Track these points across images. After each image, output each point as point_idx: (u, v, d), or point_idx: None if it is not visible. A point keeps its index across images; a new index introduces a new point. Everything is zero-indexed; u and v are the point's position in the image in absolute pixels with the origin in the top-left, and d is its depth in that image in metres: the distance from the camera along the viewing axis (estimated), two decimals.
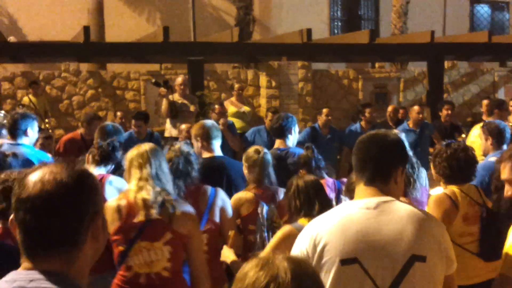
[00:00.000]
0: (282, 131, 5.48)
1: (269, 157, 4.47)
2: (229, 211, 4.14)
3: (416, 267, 2.35)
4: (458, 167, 3.95)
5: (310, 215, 3.59)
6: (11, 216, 1.65)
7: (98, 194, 1.70)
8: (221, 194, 4.13)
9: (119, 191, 4.27)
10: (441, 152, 4.02)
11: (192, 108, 9.24)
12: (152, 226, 3.39)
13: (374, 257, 2.34)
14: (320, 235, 2.38)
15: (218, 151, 4.85)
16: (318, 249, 2.36)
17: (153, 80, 9.63)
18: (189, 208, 3.54)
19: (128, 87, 13.14)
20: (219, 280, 4.06)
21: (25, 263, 1.62)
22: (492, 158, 5.10)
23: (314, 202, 3.65)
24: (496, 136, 5.39)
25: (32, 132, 5.33)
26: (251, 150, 4.52)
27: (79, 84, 12.86)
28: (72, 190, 1.61)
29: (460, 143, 4.18)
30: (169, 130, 9.29)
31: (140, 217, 3.39)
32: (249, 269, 1.56)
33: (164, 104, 9.12)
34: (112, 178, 4.39)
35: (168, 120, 9.36)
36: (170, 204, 3.41)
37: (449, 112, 9.52)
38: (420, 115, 8.99)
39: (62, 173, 1.62)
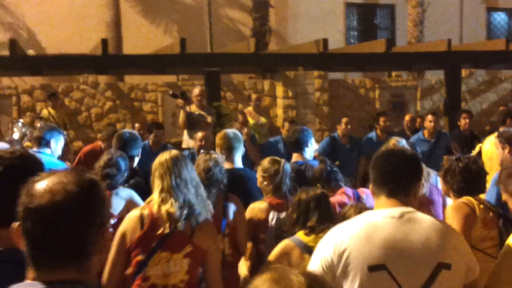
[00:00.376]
0: (298, 145, 5.48)
1: (287, 167, 4.48)
2: (243, 219, 4.21)
3: (442, 274, 2.43)
4: (471, 179, 3.97)
5: (305, 227, 3.70)
6: (15, 224, 1.62)
7: (106, 206, 1.70)
8: (235, 199, 4.20)
9: (125, 201, 4.32)
10: (452, 167, 4.02)
11: (209, 119, 9.28)
12: (174, 237, 3.42)
13: (402, 264, 2.40)
14: (344, 242, 2.43)
15: (238, 163, 4.88)
16: (344, 256, 2.40)
17: (171, 92, 9.70)
18: (210, 223, 3.58)
19: (146, 98, 13.24)
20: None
21: (30, 274, 1.60)
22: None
23: (311, 215, 3.72)
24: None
25: (55, 145, 5.43)
26: (266, 160, 4.52)
27: (98, 96, 12.98)
28: (82, 201, 1.58)
29: (469, 156, 4.20)
30: (186, 141, 9.33)
31: (165, 230, 3.41)
32: (262, 283, 1.46)
33: (181, 115, 9.18)
34: (119, 189, 4.44)
35: (185, 131, 9.41)
36: (194, 217, 3.44)
37: (467, 120, 9.46)
38: (433, 123, 8.83)
39: (71, 183, 1.58)
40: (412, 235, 2.45)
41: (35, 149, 5.41)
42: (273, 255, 3.67)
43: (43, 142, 5.36)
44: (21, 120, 8.00)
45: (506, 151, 4.97)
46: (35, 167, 2.19)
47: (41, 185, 1.57)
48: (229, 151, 4.82)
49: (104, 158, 4.55)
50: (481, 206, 3.89)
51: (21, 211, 1.57)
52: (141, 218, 3.45)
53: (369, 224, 2.48)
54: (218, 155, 4.29)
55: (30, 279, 1.60)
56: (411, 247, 2.43)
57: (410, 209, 2.56)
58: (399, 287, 2.38)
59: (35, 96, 12.77)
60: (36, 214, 1.55)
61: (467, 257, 2.59)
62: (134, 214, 3.50)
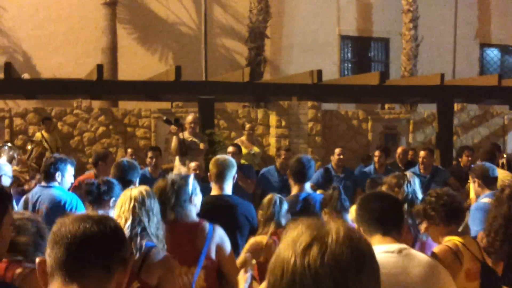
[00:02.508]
0: (302, 176, 5.40)
1: (281, 204, 4.55)
2: (227, 249, 4.09)
3: None
4: (452, 212, 3.88)
5: None
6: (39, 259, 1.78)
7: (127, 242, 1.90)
8: (219, 231, 4.07)
9: None
10: (432, 202, 3.97)
11: (201, 146, 9.29)
12: None
13: None
14: None
15: (227, 190, 4.83)
16: None
17: (164, 118, 9.74)
18: (166, 259, 3.46)
19: (139, 124, 13.27)
20: None
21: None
22: (484, 199, 5.20)
23: None
24: (482, 177, 5.55)
25: (66, 176, 5.45)
26: (268, 195, 4.66)
27: (91, 121, 12.99)
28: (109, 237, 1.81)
29: (447, 190, 4.15)
30: (178, 167, 9.32)
31: None
32: (295, 227, 1.42)
33: (174, 141, 9.19)
34: None
35: (177, 158, 9.40)
36: (145, 250, 3.37)
37: (470, 158, 9.46)
38: (425, 159, 8.78)
39: (99, 225, 1.80)
40: (410, 269, 2.55)
41: (43, 183, 5.41)
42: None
43: (51, 175, 5.35)
44: (9, 144, 7.94)
45: (476, 184, 5.60)
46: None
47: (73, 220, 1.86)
48: (219, 177, 4.79)
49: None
50: (469, 253, 3.80)
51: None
52: None
53: None
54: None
55: None
56: (412, 282, 2.51)
57: (405, 245, 2.72)
58: None
59: (28, 119, 12.77)
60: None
61: None
62: None
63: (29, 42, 16.11)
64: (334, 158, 9.30)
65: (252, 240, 4.44)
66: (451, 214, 3.84)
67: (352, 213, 4.41)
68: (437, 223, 3.82)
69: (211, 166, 4.85)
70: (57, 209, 5.02)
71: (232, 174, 4.83)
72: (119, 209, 3.46)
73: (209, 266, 3.97)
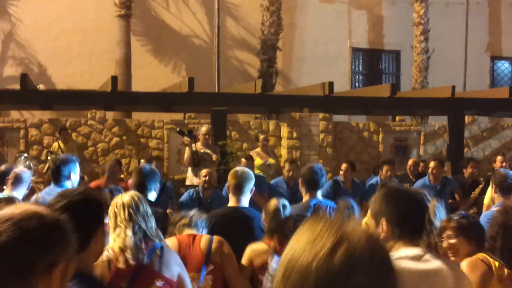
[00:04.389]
0: (314, 184, 5.44)
1: (284, 211, 4.50)
2: (231, 256, 4.20)
3: None
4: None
5: None
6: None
7: (57, 246, 1.55)
8: (219, 238, 4.20)
9: None
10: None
11: (214, 157, 9.40)
12: (141, 273, 3.40)
13: None
14: None
15: (244, 202, 4.88)
16: None
17: (178, 129, 9.85)
18: (174, 253, 3.62)
19: (152, 135, 13.41)
20: None
21: None
22: (495, 208, 5.07)
23: None
24: (498, 185, 5.56)
25: (75, 175, 5.49)
26: (271, 201, 4.58)
27: (105, 132, 13.16)
28: (27, 235, 1.47)
29: (470, 216, 4.13)
30: (190, 178, 9.44)
31: (119, 264, 3.39)
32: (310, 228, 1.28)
33: (187, 152, 9.31)
34: None
35: (189, 169, 9.51)
36: (157, 249, 3.46)
37: (475, 170, 9.52)
38: (435, 170, 8.83)
39: (22, 216, 1.50)
40: (437, 277, 2.46)
41: (53, 184, 5.44)
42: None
43: (62, 178, 5.36)
44: (25, 154, 8.10)
45: (493, 190, 5.68)
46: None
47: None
48: (237, 189, 4.83)
49: None
50: (496, 263, 3.85)
51: None
52: (109, 262, 3.40)
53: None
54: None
55: None
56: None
57: (425, 250, 2.56)
58: None
59: (43, 130, 12.95)
60: None
61: None
62: (100, 259, 3.30)
63: (44, 54, 16.35)
64: (341, 174, 9.33)
65: (250, 247, 4.43)
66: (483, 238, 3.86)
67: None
68: (471, 242, 3.83)
69: (230, 177, 4.91)
70: None
71: (250, 187, 4.87)
72: (114, 219, 3.46)
73: (215, 271, 4.07)
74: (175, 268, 3.49)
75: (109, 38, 16.06)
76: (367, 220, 2.67)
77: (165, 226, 4.29)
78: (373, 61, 19.55)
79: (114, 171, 7.63)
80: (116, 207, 3.48)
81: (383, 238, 2.53)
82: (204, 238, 4.15)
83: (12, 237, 1.41)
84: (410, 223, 2.58)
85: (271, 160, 11.43)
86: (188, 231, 4.22)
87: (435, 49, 17.75)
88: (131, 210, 3.45)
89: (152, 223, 3.55)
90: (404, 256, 2.47)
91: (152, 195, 5.17)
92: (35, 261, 1.44)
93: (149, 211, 3.58)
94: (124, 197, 3.54)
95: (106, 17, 16.25)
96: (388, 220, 2.55)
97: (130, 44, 15.95)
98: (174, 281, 3.46)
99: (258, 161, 10.92)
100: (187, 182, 9.49)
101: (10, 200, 4.79)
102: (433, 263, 2.49)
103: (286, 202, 4.58)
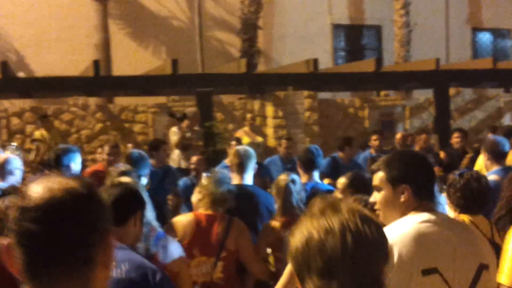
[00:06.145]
0: (311, 165, 5.49)
1: (294, 186, 4.48)
2: (246, 240, 4.20)
3: (484, 275, 2.45)
4: (472, 196, 3.92)
5: None
6: (7, 242, 1.45)
7: (108, 212, 1.48)
8: (238, 223, 4.17)
9: None
10: (454, 182, 4.00)
11: (199, 142, 9.39)
12: None
13: (452, 266, 2.39)
14: (395, 244, 2.35)
15: (248, 180, 4.92)
16: (395, 259, 2.34)
17: (169, 111, 9.75)
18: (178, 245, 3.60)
19: (136, 120, 13.24)
20: None
21: None
22: (491, 176, 5.07)
23: None
24: (491, 152, 5.50)
25: (75, 165, 5.38)
26: (280, 177, 4.57)
27: (88, 118, 12.96)
28: (83, 199, 1.41)
29: (473, 172, 4.17)
30: (177, 161, 9.35)
31: None
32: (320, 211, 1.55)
33: (178, 135, 9.20)
34: None
35: (176, 151, 9.42)
36: (162, 240, 3.44)
37: (459, 139, 9.56)
38: (426, 145, 8.90)
39: (73, 183, 1.42)
40: (456, 237, 2.46)
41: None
42: (287, 270, 3.59)
43: (63, 168, 5.25)
44: (15, 143, 7.93)
45: (485, 158, 5.59)
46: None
47: (39, 186, 1.40)
48: (239, 168, 4.87)
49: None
50: (475, 229, 3.84)
51: (16, 214, 1.36)
52: None
53: (415, 228, 2.44)
54: (225, 175, 4.31)
55: None
56: (458, 250, 2.43)
57: (442, 213, 2.61)
58: None
59: (25, 119, 12.72)
60: (34, 212, 1.35)
61: (495, 259, 2.63)
62: None
63: (21, 41, 16.01)
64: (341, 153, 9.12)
65: (264, 226, 4.49)
66: (466, 205, 3.89)
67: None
68: (455, 205, 3.90)
69: (232, 156, 4.95)
70: None
71: (252, 165, 4.93)
72: None
73: (227, 257, 4.05)
74: (177, 257, 3.49)
75: (87, 22, 15.75)
76: (379, 184, 2.62)
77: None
78: (354, 37, 19.48)
79: (114, 152, 7.43)
80: None
81: (403, 202, 2.53)
82: (222, 223, 4.11)
83: (80, 195, 1.40)
84: (430, 185, 2.60)
85: (259, 139, 11.38)
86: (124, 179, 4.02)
87: (416, 23, 17.70)
88: None
89: (150, 208, 3.46)
90: (427, 219, 2.47)
91: (143, 181, 5.11)
92: (99, 220, 1.43)
93: (146, 195, 3.46)
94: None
95: (82, 2, 15.91)
96: (410, 185, 2.53)
97: (108, 28, 15.69)
98: (176, 271, 3.45)
99: (245, 140, 10.86)
100: (173, 164, 9.40)
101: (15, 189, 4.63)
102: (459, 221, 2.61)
103: (296, 177, 4.56)
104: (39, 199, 1.36)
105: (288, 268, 3.55)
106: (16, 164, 5.36)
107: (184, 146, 9.18)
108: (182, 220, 4.13)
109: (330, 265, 1.45)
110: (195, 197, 4.29)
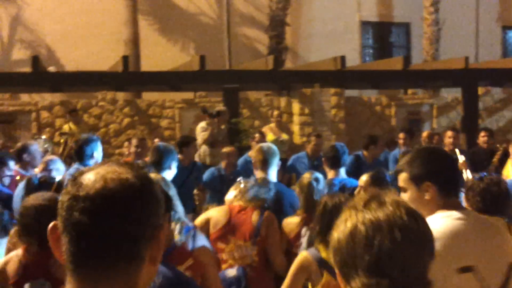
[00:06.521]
0: (336, 162, 5.56)
1: (317, 184, 4.54)
2: (275, 230, 4.35)
3: None
4: (491, 200, 3.91)
5: (325, 241, 3.45)
6: (52, 224, 1.36)
7: (162, 207, 1.41)
8: (269, 213, 4.34)
9: None
10: (474, 186, 3.98)
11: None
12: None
13: (486, 265, 2.38)
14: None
15: (272, 177, 4.99)
16: None
17: (203, 107, 9.82)
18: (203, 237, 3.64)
19: (163, 115, 13.36)
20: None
21: (70, 284, 1.32)
22: None
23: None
24: None
25: (98, 153, 5.50)
26: (304, 175, 4.68)
27: (116, 113, 13.12)
28: (138, 192, 1.34)
29: (493, 177, 4.14)
30: (204, 157, 9.41)
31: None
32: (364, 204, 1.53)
33: (208, 132, 9.24)
34: None
35: (203, 147, 9.47)
36: (191, 232, 3.45)
37: (485, 138, 9.46)
38: (451, 140, 8.79)
39: (127, 173, 1.35)
40: (487, 235, 2.45)
41: (78, 164, 5.45)
42: (292, 270, 3.60)
43: (86, 157, 5.39)
44: (44, 136, 8.08)
45: None
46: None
47: (92, 174, 1.34)
48: (263, 165, 4.94)
49: None
50: None
51: (66, 201, 1.31)
52: None
53: (449, 225, 2.43)
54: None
55: None
56: (490, 248, 2.42)
57: (473, 211, 2.61)
58: None
59: (54, 112, 12.92)
60: (85, 202, 1.29)
61: None
62: None
63: (52, 36, 16.24)
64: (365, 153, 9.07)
65: (285, 221, 4.56)
66: (485, 209, 3.82)
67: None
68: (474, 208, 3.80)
69: (255, 153, 5.00)
70: None
71: (276, 161, 4.98)
72: None
73: (261, 243, 4.26)
74: (206, 253, 3.48)
75: (116, 18, 15.92)
76: (403, 184, 2.60)
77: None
78: (382, 35, 19.36)
79: (142, 145, 7.54)
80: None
81: (429, 200, 2.50)
82: (255, 212, 4.29)
83: (134, 187, 1.33)
84: (455, 181, 2.59)
85: (284, 136, 11.37)
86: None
87: (445, 21, 17.52)
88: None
89: (179, 205, 3.48)
90: (460, 217, 2.46)
91: (169, 174, 5.15)
92: (151, 215, 1.36)
93: (175, 192, 3.49)
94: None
95: None
96: (433, 181, 2.50)
97: (137, 24, 15.83)
98: (200, 260, 3.43)
99: (270, 137, 10.81)
100: (199, 160, 9.46)
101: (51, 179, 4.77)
102: (481, 223, 2.53)
103: (319, 175, 4.61)
104: (90, 188, 1.30)
105: (292, 270, 3.58)
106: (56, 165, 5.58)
107: (212, 142, 9.23)
108: (216, 209, 4.34)
109: (379, 263, 1.42)
110: (231, 195, 4.41)
